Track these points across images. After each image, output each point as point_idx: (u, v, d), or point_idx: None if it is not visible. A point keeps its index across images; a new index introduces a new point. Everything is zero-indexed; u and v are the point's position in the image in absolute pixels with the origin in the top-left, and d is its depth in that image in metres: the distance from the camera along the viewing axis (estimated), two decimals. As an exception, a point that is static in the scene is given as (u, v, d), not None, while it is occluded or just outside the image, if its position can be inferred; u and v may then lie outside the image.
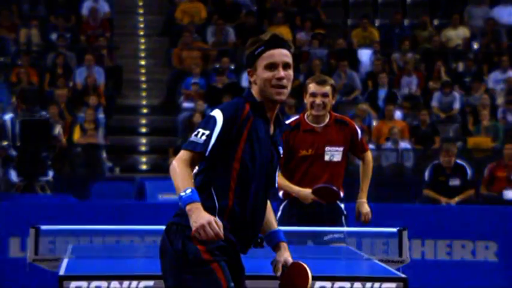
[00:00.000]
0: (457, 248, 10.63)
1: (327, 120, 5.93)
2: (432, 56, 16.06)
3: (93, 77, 15.00)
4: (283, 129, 3.77)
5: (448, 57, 16.29)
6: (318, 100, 5.84)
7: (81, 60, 15.43)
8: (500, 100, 15.24)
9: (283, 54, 3.63)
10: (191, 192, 3.46)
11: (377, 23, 17.09)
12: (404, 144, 14.06)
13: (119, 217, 9.76)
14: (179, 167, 3.52)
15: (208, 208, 3.57)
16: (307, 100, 5.91)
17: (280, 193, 6.02)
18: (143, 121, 15.86)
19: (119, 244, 7.74)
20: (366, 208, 5.95)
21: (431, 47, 16.35)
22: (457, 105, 15.10)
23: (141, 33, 17.29)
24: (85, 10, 16.37)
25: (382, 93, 15.22)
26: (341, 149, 5.91)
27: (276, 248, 3.76)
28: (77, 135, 14.07)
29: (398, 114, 14.70)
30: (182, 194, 3.46)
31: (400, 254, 5.48)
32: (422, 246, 10.66)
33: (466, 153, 13.74)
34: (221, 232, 3.41)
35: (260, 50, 3.63)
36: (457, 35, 16.47)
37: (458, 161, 11.80)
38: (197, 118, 14.17)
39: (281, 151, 3.76)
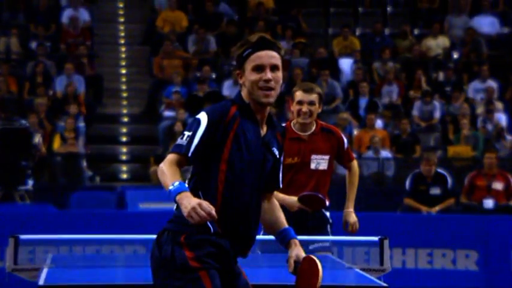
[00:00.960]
0: (437, 257, 10.65)
1: (313, 128, 5.92)
2: (413, 65, 16.13)
3: (73, 85, 14.93)
4: (276, 131, 3.74)
5: (428, 66, 16.36)
6: (305, 108, 5.83)
7: (61, 69, 15.36)
8: (480, 109, 15.32)
9: (270, 56, 3.61)
10: (179, 184, 3.45)
11: (358, 32, 17.14)
12: (385, 153, 14.09)
13: (99, 226, 9.70)
14: (165, 167, 3.52)
15: None
16: (294, 108, 5.89)
17: None
18: (124, 130, 15.80)
19: (99, 254, 7.70)
20: (353, 218, 5.94)
21: (411, 56, 16.42)
22: (437, 114, 15.16)
23: (122, 41, 17.24)
24: (65, 19, 16.31)
25: (363, 102, 15.26)
26: (327, 157, 5.90)
27: (288, 245, 3.72)
28: (56, 144, 13.99)
29: (379, 123, 14.74)
30: (170, 187, 3.45)
31: (382, 263, 5.47)
32: (403, 255, 10.67)
33: (446, 162, 13.79)
34: (213, 212, 3.36)
35: (248, 52, 3.62)
36: (437, 44, 16.56)
37: (439, 170, 11.84)
38: (178, 127, 14.14)
39: (276, 152, 3.71)
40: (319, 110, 5.92)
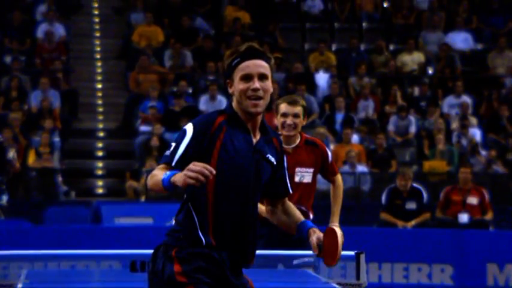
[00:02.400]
0: (413, 271, 10.68)
1: (297, 141, 5.90)
2: (388, 81, 16.23)
3: (48, 100, 14.86)
4: (272, 137, 3.71)
5: (403, 81, 16.46)
6: (289, 120, 5.81)
7: (36, 84, 15.28)
8: (454, 124, 15.42)
9: (258, 66, 3.60)
10: (169, 171, 3.43)
11: (334, 47, 17.23)
12: (361, 168, 14.13)
13: (74, 242, 9.64)
14: (153, 172, 3.52)
15: (189, 226, 3.53)
16: (278, 120, 5.87)
17: None
18: (99, 145, 15.73)
19: (74, 269, 7.64)
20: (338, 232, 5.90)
21: (387, 72, 16.51)
22: (412, 129, 15.24)
23: (98, 56, 17.19)
24: (40, 33, 16.24)
25: (339, 117, 15.31)
26: (311, 170, 5.89)
27: (308, 236, 3.71)
28: (31, 159, 13.90)
29: (355, 137, 14.80)
30: (163, 177, 3.42)
31: (358, 278, 5.47)
32: (380, 270, 10.69)
33: (421, 177, 13.85)
34: (207, 165, 3.34)
35: (236, 62, 3.61)
36: (412, 60, 16.67)
37: (415, 185, 11.90)
38: (154, 141, 14.10)
39: (272, 159, 3.68)
40: (304, 123, 5.92)
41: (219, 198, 3.56)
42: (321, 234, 3.70)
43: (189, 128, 3.57)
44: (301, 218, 3.80)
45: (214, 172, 3.36)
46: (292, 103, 5.82)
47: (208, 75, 16.02)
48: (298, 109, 5.82)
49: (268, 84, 3.61)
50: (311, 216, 5.86)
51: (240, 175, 3.58)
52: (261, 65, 3.60)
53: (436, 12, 17.36)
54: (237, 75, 3.60)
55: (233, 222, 3.58)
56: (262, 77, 3.60)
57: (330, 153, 6.03)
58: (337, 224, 5.91)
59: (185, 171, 3.34)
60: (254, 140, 3.64)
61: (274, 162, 3.70)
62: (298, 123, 5.83)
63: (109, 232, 10.69)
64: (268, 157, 3.67)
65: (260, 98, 3.59)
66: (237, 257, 3.60)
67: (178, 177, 3.37)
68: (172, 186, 3.41)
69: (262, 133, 3.68)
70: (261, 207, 5.80)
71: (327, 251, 3.68)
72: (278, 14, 17.28)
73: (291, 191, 3.81)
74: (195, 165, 3.33)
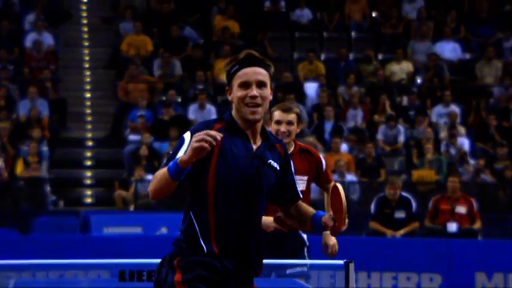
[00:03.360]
0: (402, 280, 10.69)
1: (291, 148, 5.86)
2: (377, 90, 16.26)
3: (36, 109, 14.82)
4: (275, 143, 3.71)
5: (392, 91, 16.50)
6: (283, 128, 5.79)
7: (24, 93, 15.24)
8: (443, 134, 15.46)
9: (257, 73, 3.61)
10: (174, 160, 3.45)
11: (323, 56, 17.26)
12: (350, 177, 14.14)
13: (62, 251, 9.60)
14: (154, 177, 3.52)
15: (191, 234, 3.54)
16: (272, 128, 5.85)
17: None
18: (88, 154, 15.69)
19: (62, 279, 7.60)
20: (332, 240, 5.89)
21: (376, 81, 16.55)
22: (401, 139, 15.28)
23: (87, 65, 17.17)
24: (28, 42, 16.20)
25: (328, 126, 15.33)
26: (305, 178, 5.86)
27: (323, 222, 3.71)
28: (19, 168, 13.85)
29: (344, 147, 14.81)
30: (168, 167, 3.45)
31: (347, 286, 5.47)
32: (369, 279, 10.69)
33: (410, 186, 13.87)
34: (210, 131, 3.38)
35: (235, 69, 3.62)
36: (400, 69, 16.71)
37: (403, 194, 11.91)
38: (143, 151, 14.07)
39: (275, 164, 3.66)
40: (298, 130, 5.89)
41: (219, 205, 3.55)
42: (331, 212, 3.70)
43: (187, 135, 3.59)
44: (313, 211, 3.79)
45: (219, 136, 3.39)
46: (286, 110, 5.81)
47: (197, 84, 16.02)
48: (292, 116, 5.80)
49: (267, 91, 3.62)
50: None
51: (240, 181, 3.56)
52: (259, 73, 3.62)
53: (425, 22, 17.42)
54: (236, 82, 3.61)
55: (235, 230, 3.56)
56: (260, 84, 3.61)
57: (324, 161, 6.01)
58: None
59: (190, 145, 3.37)
60: (254, 147, 3.63)
61: (278, 167, 3.68)
62: (292, 131, 5.80)
63: (98, 241, 10.65)
64: (270, 162, 3.65)
65: (258, 105, 3.59)
66: (241, 266, 3.57)
67: (185, 154, 3.40)
68: (181, 169, 3.41)
69: (264, 139, 3.68)
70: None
71: (336, 215, 3.67)
72: (267, 23, 17.31)
73: (301, 196, 3.80)
74: (199, 136, 3.37)
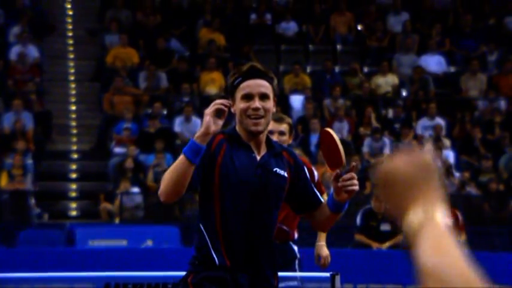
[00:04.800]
0: (388, 293, 10.67)
1: None
2: (362, 103, 16.30)
3: (21, 122, 14.75)
4: (281, 151, 3.71)
5: (378, 103, 16.54)
6: (275, 138, 5.77)
7: (9, 105, 15.17)
8: (428, 146, 15.48)
9: (259, 85, 3.63)
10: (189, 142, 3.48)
11: (308, 69, 17.30)
12: (335, 190, 14.13)
13: (47, 264, 9.54)
14: (165, 175, 3.49)
15: (203, 247, 3.53)
16: None
17: None
18: (73, 166, 15.63)
19: (47, 292, 7.54)
20: (325, 251, 5.85)
21: (361, 94, 16.59)
22: (387, 151, 15.30)
23: (72, 78, 17.12)
24: (13, 55, 16.15)
25: (314, 138, 15.34)
26: None
27: (333, 194, 3.68)
28: (4, 181, 13.77)
29: (329, 159, 14.81)
30: (183, 152, 3.45)
31: (334, 299, 5.45)
32: (355, 291, 10.67)
33: (396, 199, 13.87)
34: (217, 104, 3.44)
35: (238, 81, 3.65)
36: (386, 82, 16.77)
37: (389, 206, 11.91)
38: (129, 163, 14.03)
39: (281, 172, 3.65)
40: (290, 141, 5.86)
41: (226, 215, 3.54)
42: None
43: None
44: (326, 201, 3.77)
45: (226, 103, 3.47)
46: (278, 120, 5.76)
47: (183, 97, 16.00)
48: (284, 127, 5.76)
49: (269, 104, 3.65)
50: (295, 235, 5.81)
51: (244, 190, 3.56)
52: (262, 85, 3.64)
53: (410, 35, 17.50)
54: (239, 94, 3.63)
55: (243, 240, 3.55)
56: (263, 96, 3.63)
57: (316, 173, 5.98)
58: (323, 242, 5.86)
59: (204, 121, 3.42)
60: (258, 157, 3.64)
61: (285, 175, 3.67)
62: (284, 141, 5.74)
63: (83, 254, 10.60)
64: (276, 171, 3.65)
65: (261, 117, 3.61)
66: (255, 279, 3.56)
67: (199, 131, 3.44)
68: (198, 147, 3.41)
69: (268, 149, 3.68)
70: None
71: (331, 157, 3.64)
72: (253, 36, 17.34)
73: (322, 200, 3.78)
74: (209, 110, 3.45)
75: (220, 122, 3.46)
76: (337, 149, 3.61)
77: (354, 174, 3.59)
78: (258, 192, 3.58)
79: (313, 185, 3.79)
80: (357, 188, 3.62)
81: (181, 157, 3.43)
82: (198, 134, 3.44)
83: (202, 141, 3.43)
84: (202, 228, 3.56)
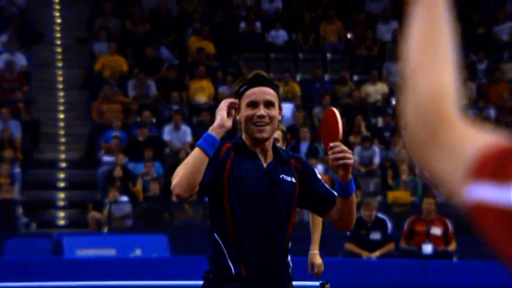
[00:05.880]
0: (378, 302, 10.63)
1: None
2: (352, 111, 16.29)
3: (9, 130, 14.66)
4: (286, 159, 3.71)
5: (367, 112, 16.53)
6: None
7: (-4, 114, 15.08)
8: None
9: (264, 93, 3.65)
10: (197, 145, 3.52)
11: (298, 78, 17.28)
12: (325, 198, 14.10)
13: (35, 274, 9.46)
14: (176, 171, 3.50)
15: (218, 257, 3.53)
16: None
17: None
18: (61, 175, 15.54)
19: (34, 302, 7.46)
20: (318, 260, 5.82)
21: (351, 102, 16.58)
22: (377, 160, 15.28)
23: (60, 86, 17.04)
24: (1, 63, 16.06)
25: (304, 147, 15.31)
26: None
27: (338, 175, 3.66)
28: (-9, 190, 13.67)
29: (320, 168, 14.78)
30: (197, 146, 3.49)
31: (324, 308, 5.41)
32: (345, 301, 10.62)
33: (386, 207, 13.85)
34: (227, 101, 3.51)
35: (243, 89, 3.67)
36: (376, 90, 16.77)
37: (379, 215, 11.88)
38: (117, 172, 13.94)
39: (289, 178, 3.66)
40: (283, 148, 5.84)
41: (237, 223, 3.55)
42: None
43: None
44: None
45: (237, 103, 3.56)
46: None
47: (172, 105, 15.94)
48: (278, 133, 5.74)
49: (274, 111, 3.65)
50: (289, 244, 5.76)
51: (253, 198, 3.57)
52: (267, 92, 3.65)
53: (399, 44, 17.49)
54: (244, 102, 3.65)
55: (257, 249, 3.55)
56: (268, 104, 3.64)
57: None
58: (317, 251, 5.83)
59: (216, 114, 3.49)
60: (264, 164, 3.66)
61: (294, 180, 3.68)
62: None
63: (71, 264, 10.51)
64: (283, 177, 3.66)
65: (266, 124, 3.62)
66: (271, 287, 3.56)
67: (215, 123, 3.48)
68: (214, 139, 3.46)
69: (275, 157, 3.70)
70: None
71: (329, 131, 3.65)
72: (242, 44, 17.31)
73: (335, 193, 3.74)
74: (220, 106, 3.52)
75: (231, 121, 3.52)
76: (336, 123, 3.62)
77: (345, 147, 3.57)
78: (267, 200, 3.60)
79: (325, 184, 3.78)
80: (350, 161, 3.58)
81: (196, 150, 3.47)
82: (213, 126, 3.50)
83: (217, 134, 3.49)
84: (217, 237, 3.57)
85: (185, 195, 3.45)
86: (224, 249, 3.55)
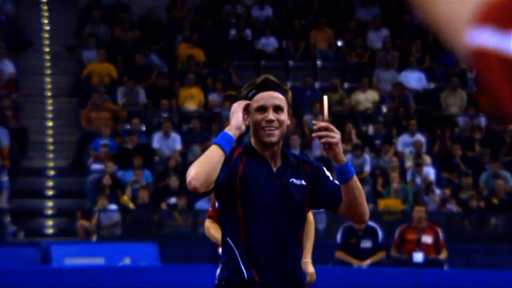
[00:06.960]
0: (369, 311, 10.57)
1: None
2: (343, 119, 16.23)
3: (-3, 138, 14.55)
4: (295, 163, 3.70)
5: (358, 120, 16.49)
6: None
7: (-16, 121, 14.97)
8: (409, 163, 15.45)
9: (273, 97, 3.66)
10: (213, 143, 3.54)
11: (288, 85, 17.20)
12: (316, 207, 14.03)
13: (23, 283, 9.36)
14: (192, 168, 3.49)
15: (231, 262, 3.53)
16: None
17: (220, 249, 5.79)
18: (50, 183, 15.42)
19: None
20: (311, 268, 5.77)
21: (341, 110, 16.53)
22: (367, 168, 15.23)
23: (49, 94, 16.94)
24: (-11, 70, 15.96)
25: (293, 155, 15.25)
26: None
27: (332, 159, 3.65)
28: (-21, 198, 13.54)
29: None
30: (214, 143, 3.51)
31: (316, 318, 5.33)
32: (336, 309, 10.55)
33: (376, 216, 13.79)
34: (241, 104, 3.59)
35: (252, 94, 3.68)
36: (366, 98, 16.72)
37: (370, 223, 11.82)
38: (106, 180, 13.84)
39: (298, 182, 3.66)
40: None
41: (250, 229, 3.56)
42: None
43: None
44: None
45: (249, 103, 3.63)
46: None
47: (161, 113, 15.85)
48: None
49: (283, 116, 3.66)
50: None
51: (265, 203, 3.58)
52: (276, 97, 3.66)
53: (390, 52, 17.49)
54: (253, 106, 3.66)
55: (270, 253, 3.55)
56: (277, 108, 3.65)
57: None
58: (309, 259, 5.78)
59: (232, 116, 3.55)
60: (274, 168, 3.66)
61: (304, 183, 3.67)
62: None
63: (59, 273, 10.41)
64: (292, 181, 3.66)
65: (275, 129, 3.62)
66: None
67: (231, 124, 3.52)
68: (230, 137, 3.49)
69: (284, 161, 3.69)
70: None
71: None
72: (232, 52, 17.26)
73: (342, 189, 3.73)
74: (235, 106, 3.58)
75: (245, 124, 3.57)
76: (322, 107, 3.71)
77: (331, 126, 3.55)
78: (279, 204, 3.62)
79: (334, 180, 3.74)
80: (334, 140, 3.52)
81: (213, 146, 3.49)
82: (229, 127, 3.54)
83: (233, 135, 3.52)
84: (230, 241, 3.58)
85: (201, 190, 3.44)
86: (237, 253, 3.56)
